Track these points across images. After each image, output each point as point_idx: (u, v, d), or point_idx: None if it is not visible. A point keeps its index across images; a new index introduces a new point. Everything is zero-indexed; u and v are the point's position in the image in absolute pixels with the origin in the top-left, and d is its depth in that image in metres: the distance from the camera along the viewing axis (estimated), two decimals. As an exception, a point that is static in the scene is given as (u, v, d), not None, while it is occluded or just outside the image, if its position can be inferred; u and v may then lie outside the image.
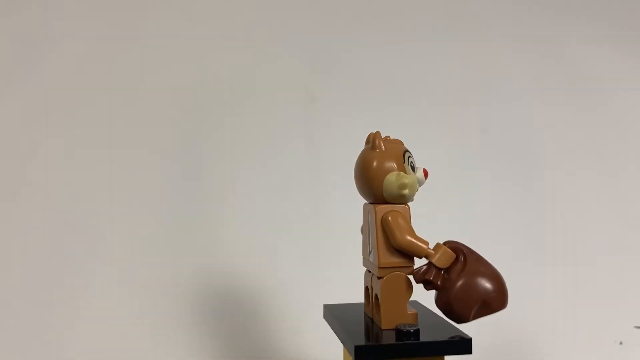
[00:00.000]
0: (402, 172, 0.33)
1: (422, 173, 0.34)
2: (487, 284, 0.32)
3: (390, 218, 0.33)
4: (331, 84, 0.63)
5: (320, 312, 0.40)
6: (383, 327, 0.33)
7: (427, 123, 0.62)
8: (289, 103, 0.62)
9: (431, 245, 0.33)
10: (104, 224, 0.55)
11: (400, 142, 0.35)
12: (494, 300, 0.32)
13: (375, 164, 0.34)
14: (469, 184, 0.62)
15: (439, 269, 0.32)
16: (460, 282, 0.32)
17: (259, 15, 0.63)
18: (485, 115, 0.64)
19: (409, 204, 0.34)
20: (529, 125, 0.64)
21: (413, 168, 0.34)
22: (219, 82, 0.61)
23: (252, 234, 0.58)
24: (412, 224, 0.33)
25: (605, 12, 0.67)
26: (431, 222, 0.51)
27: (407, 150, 0.35)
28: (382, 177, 0.33)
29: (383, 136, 0.35)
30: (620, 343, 0.55)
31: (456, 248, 0.33)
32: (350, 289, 0.42)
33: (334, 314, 0.38)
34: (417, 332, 0.31)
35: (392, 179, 0.33)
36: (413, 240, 0.33)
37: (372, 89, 0.63)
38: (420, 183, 0.34)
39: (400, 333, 0.31)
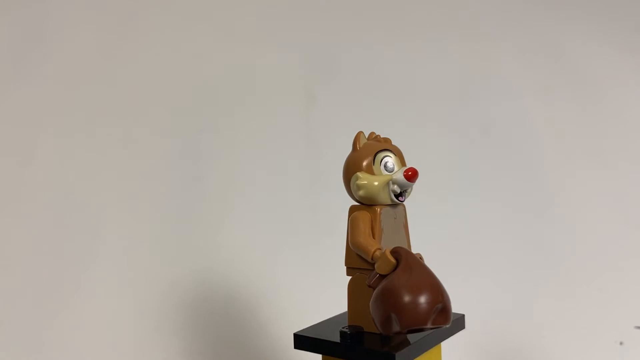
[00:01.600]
0: (359, 173, 0.32)
1: (402, 174, 0.31)
2: (397, 298, 0.27)
3: (350, 219, 0.33)
4: (331, 84, 0.63)
5: (319, 313, 0.40)
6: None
7: (427, 123, 0.62)
8: (289, 103, 0.62)
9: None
10: (103, 224, 0.56)
11: (385, 141, 0.34)
12: (404, 315, 0.27)
13: (348, 165, 0.34)
14: (468, 183, 0.62)
15: (382, 276, 0.30)
16: (373, 293, 0.29)
17: (258, 16, 0.63)
18: (485, 114, 0.64)
19: (403, 203, 0.33)
20: (529, 125, 0.63)
21: (390, 168, 0.33)
22: (218, 82, 0.61)
23: (251, 234, 0.58)
24: (409, 225, 0.33)
25: (606, 11, 0.66)
26: (429, 222, 0.52)
27: (382, 150, 0.33)
28: (350, 178, 0.33)
29: (374, 134, 0.34)
30: (621, 343, 0.55)
31: (398, 255, 0.29)
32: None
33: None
34: (356, 335, 0.31)
35: (353, 180, 0.33)
36: (361, 243, 0.31)
37: (372, 88, 0.63)
38: (400, 184, 0.32)
39: (341, 334, 0.31)
